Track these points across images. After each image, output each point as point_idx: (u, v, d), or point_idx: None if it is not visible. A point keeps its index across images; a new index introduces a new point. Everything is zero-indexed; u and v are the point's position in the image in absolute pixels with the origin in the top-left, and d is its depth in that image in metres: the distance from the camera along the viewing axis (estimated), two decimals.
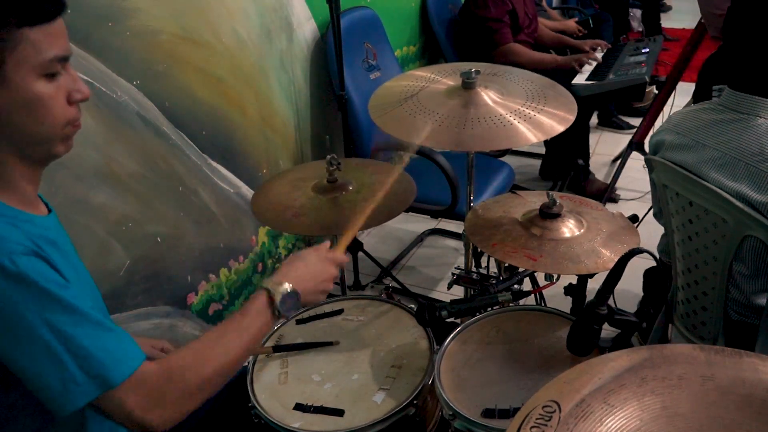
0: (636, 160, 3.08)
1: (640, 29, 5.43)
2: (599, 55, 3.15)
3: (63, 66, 0.87)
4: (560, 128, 1.44)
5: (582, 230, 1.41)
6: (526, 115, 1.46)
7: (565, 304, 1.49)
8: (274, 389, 1.25)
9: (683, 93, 3.01)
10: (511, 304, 1.36)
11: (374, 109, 1.55)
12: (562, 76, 2.97)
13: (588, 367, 0.56)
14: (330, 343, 1.36)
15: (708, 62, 2.40)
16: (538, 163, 3.48)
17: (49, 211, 0.99)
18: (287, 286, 1.00)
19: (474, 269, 1.71)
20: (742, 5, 1.25)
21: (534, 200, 1.55)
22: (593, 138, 3.61)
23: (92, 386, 0.83)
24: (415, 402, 1.18)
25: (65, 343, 0.82)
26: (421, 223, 2.97)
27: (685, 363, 0.56)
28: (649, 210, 1.53)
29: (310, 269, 1.06)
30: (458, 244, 2.88)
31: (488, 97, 1.50)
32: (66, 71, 0.88)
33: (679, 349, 0.59)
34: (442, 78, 1.62)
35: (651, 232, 1.68)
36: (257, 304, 0.99)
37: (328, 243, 1.15)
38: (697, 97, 2.46)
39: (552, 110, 1.48)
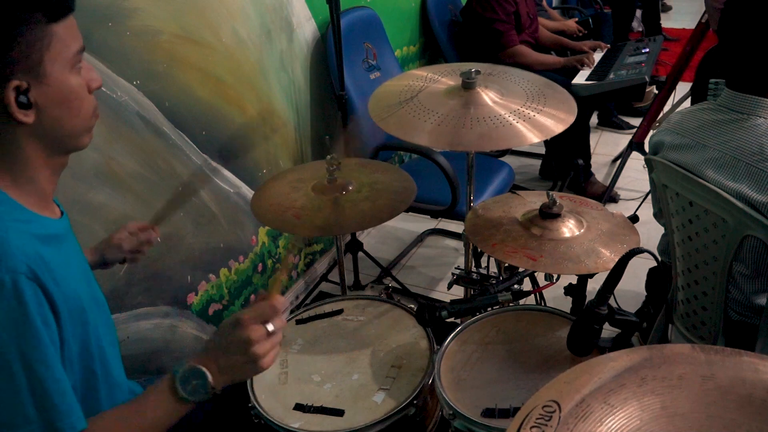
0: (636, 160, 3.08)
1: (640, 29, 5.43)
2: (598, 56, 3.16)
3: (81, 58, 0.90)
4: (560, 128, 1.44)
5: (582, 230, 1.41)
6: (526, 115, 1.46)
7: (565, 304, 1.49)
8: (274, 389, 1.25)
9: (683, 93, 3.01)
10: (511, 304, 1.36)
11: (375, 111, 1.55)
12: (563, 76, 2.97)
13: (588, 367, 0.56)
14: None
15: (707, 57, 2.40)
16: (538, 163, 3.48)
17: (62, 213, 1.00)
18: (189, 365, 0.90)
19: (474, 269, 1.71)
20: (737, 4, 1.24)
21: (534, 200, 1.55)
22: (593, 138, 3.61)
23: (40, 429, 0.82)
24: (415, 402, 1.18)
25: (30, 378, 0.81)
26: (421, 223, 2.97)
27: (685, 363, 0.56)
28: (641, 203, 1.52)
29: (223, 342, 0.92)
30: (458, 244, 2.88)
31: (488, 97, 1.51)
32: (82, 63, 0.90)
33: (679, 349, 0.59)
34: (441, 78, 1.62)
35: (651, 232, 1.68)
36: (158, 387, 0.91)
37: (259, 305, 0.96)
38: (695, 91, 2.46)
39: (552, 111, 1.49)
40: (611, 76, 2.81)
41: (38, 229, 0.88)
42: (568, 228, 1.41)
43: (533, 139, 1.42)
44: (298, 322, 1.44)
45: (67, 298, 0.88)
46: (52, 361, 0.84)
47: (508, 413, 1.11)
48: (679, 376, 0.54)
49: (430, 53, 3.34)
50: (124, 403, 0.92)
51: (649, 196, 1.62)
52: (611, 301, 1.13)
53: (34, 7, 0.81)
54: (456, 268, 1.70)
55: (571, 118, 1.48)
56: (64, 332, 0.88)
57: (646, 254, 1.10)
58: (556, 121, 1.46)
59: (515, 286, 1.43)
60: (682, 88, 2.96)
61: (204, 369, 0.89)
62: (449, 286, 1.69)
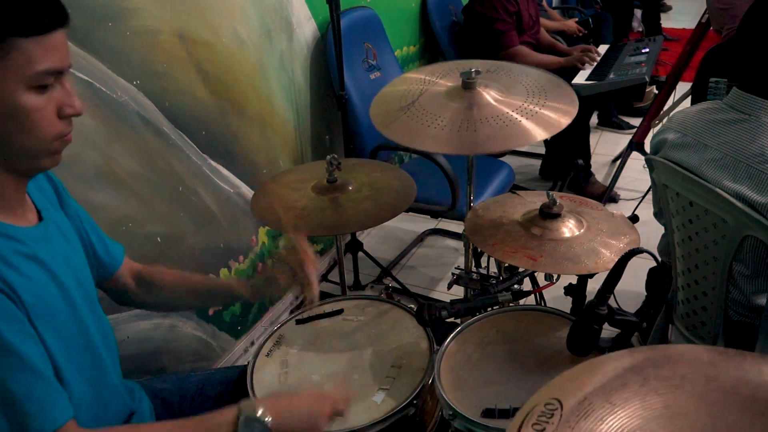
0: (636, 160, 3.08)
1: (640, 29, 5.44)
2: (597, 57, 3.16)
3: (57, 79, 0.85)
4: (566, 121, 1.41)
5: (582, 230, 1.41)
6: (530, 111, 1.44)
7: (565, 304, 1.49)
8: (274, 389, 1.25)
9: (683, 93, 3.01)
10: (511, 304, 1.36)
11: (377, 118, 1.53)
12: (563, 76, 2.97)
13: (591, 366, 0.56)
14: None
15: (708, 56, 2.40)
16: (538, 163, 3.48)
17: (41, 219, 0.97)
18: (259, 412, 0.95)
19: (474, 269, 1.70)
20: (762, 6, 1.24)
21: (534, 200, 1.55)
22: (593, 138, 3.61)
23: None
24: (415, 402, 1.18)
25: None
26: (421, 223, 2.97)
27: (688, 363, 0.56)
28: (640, 202, 1.52)
29: (299, 407, 1.03)
30: (458, 244, 2.88)
31: (490, 96, 1.50)
32: (60, 84, 0.86)
33: (683, 350, 0.59)
34: (439, 80, 1.61)
35: (651, 232, 1.68)
36: (221, 417, 0.95)
37: (342, 395, 1.10)
38: (695, 91, 2.46)
39: (555, 104, 1.46)
40: (611, 76, 2.81)
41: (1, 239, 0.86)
42: (568, 228, 1.41)
43: (541, 135, 1.38)
44: (298, 322, 1.44)
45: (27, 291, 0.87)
46: (18, 363, 0.82)
47: (508, 413, 1.11)
48: (682, 376, 0.54)
49: (430, 53, 3.34)
50: (179, 420, 0.96)
51: (648, 196, 1.62)
52: (611, 301, 1.12)
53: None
54: (456, 268, 1.69)
55: (574, 110, 1.45)
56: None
57: (646, 254, 1.10)
58: (560, 114, 1.43)
59: (515, 286, 1.43)
60: (682, 88, 2.96)
61: (271, 422, 0.95)
62: (449, 286, 1.69)
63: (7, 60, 0.79)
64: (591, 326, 1.11)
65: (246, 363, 1.34)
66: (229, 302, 1.22)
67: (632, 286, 1.94)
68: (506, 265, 1.51)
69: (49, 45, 0.82)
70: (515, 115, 1.42)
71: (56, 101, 0.86)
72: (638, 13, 5.41)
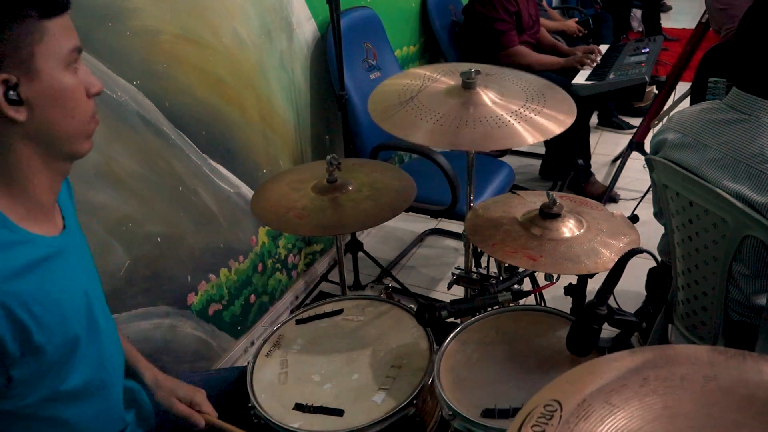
0: (636, 160, 3.08)
1: (640, 29, 5.44)
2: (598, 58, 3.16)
3: (77, 59, 0.88)
4: (559, 130, 1.43)
5: (582, 230, 1.41)
6: (525, 116, 1.45)
7: (565, 304, 1.49)
8: (274, 389, 1.25)
9: (683, 93, 3.01)
10: (511, 304, 1.36)
11: (375, 110, 1.55)
12: (563, 76, 2.97)
13: (590, 368, 0.56)
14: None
15: (707, 56, 2.40)
16: (538, 163, 3.48)
17: (64, 227, 0.96)
18: None
19: (474, 269, 1.70)
20: (762, 6, 1.24)
21: (534, 200, 1.55)
22: (593, 138, 3.61)
23: None
24: (415, 402, 1.18)
25: None
26: (421, 223, 2.97)
27: (688, 363, 0.56)
28: (639, 202, 1.51)
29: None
30: (458, 244, 2.88)
31: (488, 97, 1.50)
32: (79, 65, 0.89)
33: (683, 350, 0.59)
34: (441, 77, 1.62)
35: (651, 232, 1.68)
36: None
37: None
38: (694, 90, 2.46)
39: (551, 112, 1.48)
40: (611, 76, 2.81)
41: (22, 247, 0.85)
42: (568, 228, 1.41)
43: (532, 139, 1.41)
44: (298, 322, 1.44)
45: (47, 327, 0.85)
46: None
47: (508, 413, 1.11)
48: (682, 376, 0.54)
49: (430, 53, 3.34)
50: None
51: (648, 196, 1.62)
52: (611, 301, 1.12)
53: (25, 2, 0.80)
54: (456, 268, 1.70)
55: (570, 120, 1.47)
56: (22, 365, 0.85)
57: (646, 254, 1.10)
58: (555, 122, 1.46)
59: (515, 286, 1.43)
60: (682, 88, 2.96)
61: None
62: (449, 286, 1.69)
63: (43, 43, 0.82)
64: (591, 326, 1.11)
65: (246, 363, 1.34)
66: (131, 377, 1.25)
67: (632, 286, 1.94)
68: (506, 265, 1.51)
69: (66, 25, 0.85)
70: (508, 118, 1.44)
71: (83, 81, 0.89)
72: (638, 13, 5.41)
